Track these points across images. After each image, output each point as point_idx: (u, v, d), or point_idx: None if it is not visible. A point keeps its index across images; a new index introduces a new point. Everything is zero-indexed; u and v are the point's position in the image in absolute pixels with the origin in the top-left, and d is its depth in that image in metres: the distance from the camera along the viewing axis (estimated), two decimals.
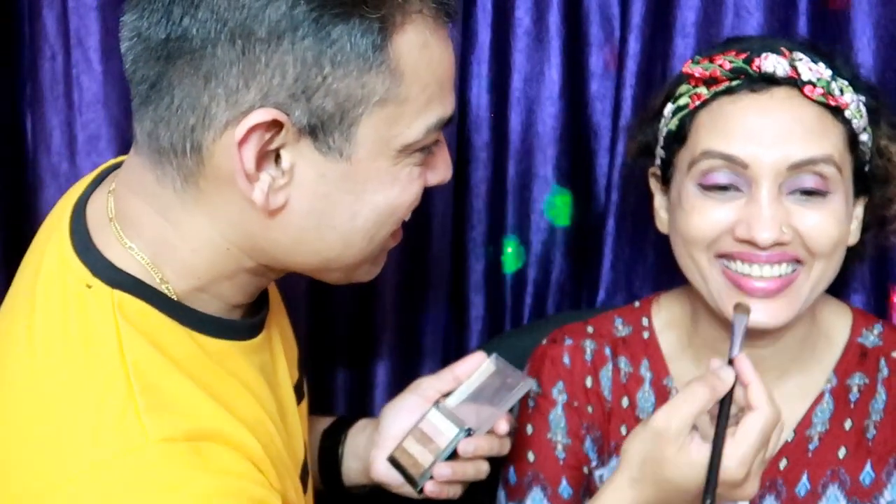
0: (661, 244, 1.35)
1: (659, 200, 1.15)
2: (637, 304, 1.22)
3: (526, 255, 1.42)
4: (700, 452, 0.93)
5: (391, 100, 0.83)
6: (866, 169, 1.09)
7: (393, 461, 1.09)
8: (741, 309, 1.00)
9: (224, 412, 0.83)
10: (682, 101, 1.09)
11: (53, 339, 0.82)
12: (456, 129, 1.36)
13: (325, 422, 1.20)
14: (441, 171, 0.94)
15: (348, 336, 1.41)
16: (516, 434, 1.19)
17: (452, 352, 1.44)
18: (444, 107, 0.88)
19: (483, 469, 1.09)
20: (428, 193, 1.33)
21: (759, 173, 1.01)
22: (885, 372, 1.13)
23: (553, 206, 1.40)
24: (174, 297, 0.86)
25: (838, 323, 1.16)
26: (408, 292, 1.38)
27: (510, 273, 1.41)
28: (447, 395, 1.11)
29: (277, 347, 1.02)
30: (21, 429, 0.80)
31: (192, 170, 0.83)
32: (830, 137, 1.03)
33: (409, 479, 1.07)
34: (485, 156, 1.40)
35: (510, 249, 1.41)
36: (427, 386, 1.12)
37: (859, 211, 1.11)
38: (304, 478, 0.98)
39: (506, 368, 1.10)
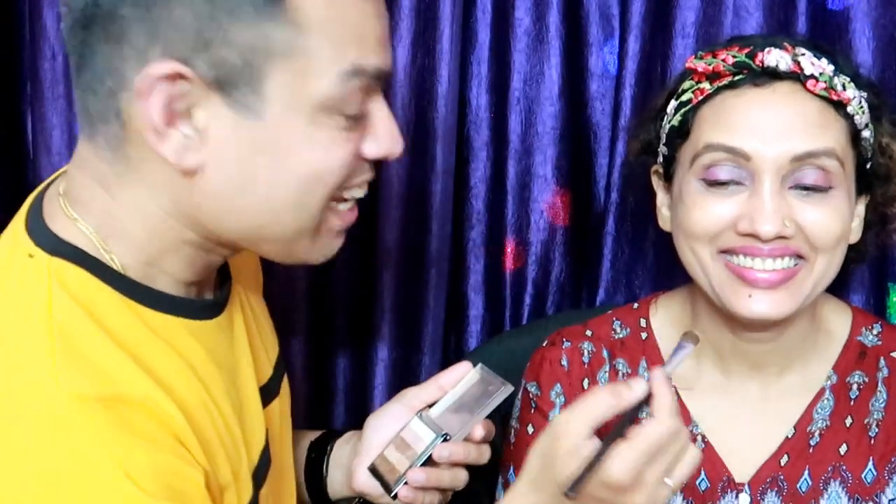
0: (661, 244, 1.35)
1: (661, 198, 1.16)
2: (636, 305, 1.22)
3: (526, 255, 1.42)
4: (590, 453, 0.90)
5: (297, 51, 0.81)
6: (868, 166, 1.09)
7: (373, 470, 1.08)
8: (689, 336, 0.98)
9: (151, 383, 0.81)
10: (685, 97, 1.09)
11: None
12: (456, 129, 1.36)
13: (313, 434, 1.19)
14: (383, 143, 0.89)
15: (348, 336, 1.42)
16: (517, 434, 1.19)
17: (452, 351, 1.44)
18: (364, 53, 0.84)
19: (460, 477, 1.07)
20: (428, 193, 1.35)
21: (762, 166, 1.02)
22: (885, 371, 1.13)
23: (553, 206, 1.41)
24: (119, 268, 0.86)
25: (838, 321, 1.16)
26: (408, 292, 1.38)
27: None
28: (432, 404, 1.11)
29: (240, 340, 0.99)
30: None
31: (118, 137, 0.83)
32: (832, 131, 1.03)
33: (384, 485, 1.06)
34: (485, 156, 1.40)
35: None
36: (412, 396, 1.11)
37: (861, 209, 1.11)
38: (256, 480, 0.95)
39: (489, 377, 1.08)
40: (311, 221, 0.87)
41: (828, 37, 1.28)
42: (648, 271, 1.39)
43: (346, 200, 0.91)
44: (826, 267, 1.05)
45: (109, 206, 0.86)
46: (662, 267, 1.37)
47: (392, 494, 1.06)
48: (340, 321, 1.41)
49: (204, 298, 0.94)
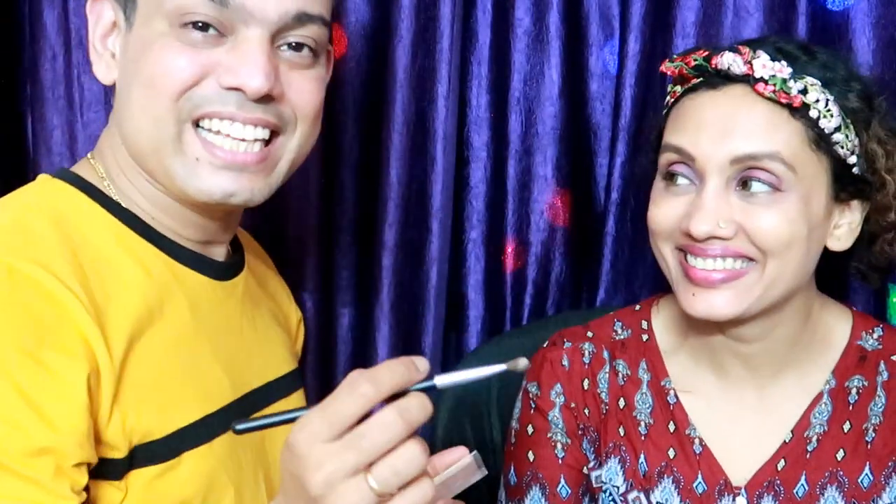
0: None
1: None
2: (637, 307, 1.22)
3: (526, 255, 1.42)
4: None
5: None
6: (855, 171, 1.07)
7: None
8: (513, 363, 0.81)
9: (77, 284, 0.86)
10: (667, 100, 1.12)
11: None
12: (456, 129, 1.36)
13: None
14: (237, 72, 0.92)
15: (349, 336, 1.42)
16: (517, 434, 1.19)
17: (452, 351, 1.44)
18: None
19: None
20: (428, 193, 1.35)
21: (704, 167, 1.03)
22: (884, 375, 1.13)
23: (553, 206, 1.41)
24: (120, 200, 0.96)
25: (838, 325, 1.15)
26: (408, 292, 1.38)
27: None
28: None
29: (241, 317, 1.04)
30: None
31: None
32: (782, 135, 1.03)
33: None
34: (485, 156, 1.40)
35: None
36: None
37: (856, 216, 1.09)
38: (213, 421, 0.95)
39: (475, 464, 0.97)
40: (163, 131, 0.93)
41: (828, 37, 1.28)
42: (648, 272, 1.39)
43: (215, 133, 0.93)
44: (780, 270, 1.04)
45: (109, 138, 0.98)
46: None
47: None
48: (341, 321, 1.41)
49: (195, 251, 1.00)
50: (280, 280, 1.22)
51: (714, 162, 1.02)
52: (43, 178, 0.98)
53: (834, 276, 1.20)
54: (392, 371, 0.75)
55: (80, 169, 0.98)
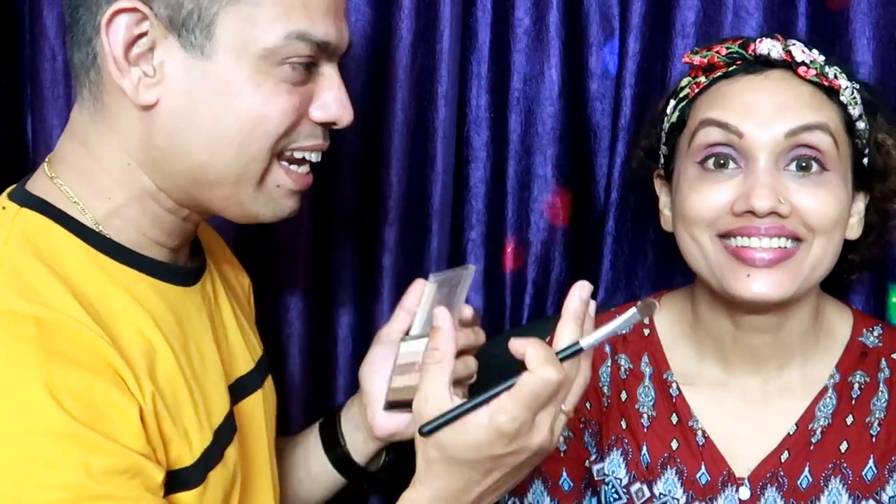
0: (661, 244, 1.35)
1: (663, 200, 1.17)
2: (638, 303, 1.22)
3: (526, 255, 1.42)
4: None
5: (244, 0, 0.89)
6: (865, 162, 1.10)
7: (390, 404, 1.08)
8: (644, 306, 0.90)
9: (88, 317, 0.85)
10: (683, 93, 1.13)
11: None
12: (456, 130, 1.36)
13: (313, 427, 1.21)
14: (331, 108, 0.96)
15: (349, 336, 1.42)
16: None
17: None
18: (311, 24, 0.92)
19: (471, 364, 1.08)
20: (428, 193, 1.35)
21: (756, 144, 1.04)
22: (886, 372, 1.14)
23: (553, 206, 1.41)
24: (92, 224, 0.93)
25: (840, 322, 1.17)
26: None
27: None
28: (408, 332, 1.11)
29: (215, 316, 1.04)
30: None
31: (96, 84, 0.92)
32: (825, 111, 1.06)
33: (409, 405, 1.05)
34: (485, 156, 1.40)
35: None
36: (386, 332, 1.14)
37: (860, 206, 1.12)
38: (221, 435, 0.97)
39: (446, 276, 1.09)
40: (253, 168, 0.93)
41: (828, 37, 1.28)
42: (648, 271, 1.39)
43: (297, 162, 0.97)
44: (824, 250, 1.05)
45: (84, 160, 0.94)
46: (662, 267, 1.37)
47: None
48: (341, 321, 1.41)
49: (170, 263, 0.99)
50: (226, 252, 1.19)
51: (767, 140, 1.04)
52: (7, 208, 0.92)
53: (834, 278, 1.20)
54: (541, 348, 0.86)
55: (44, 191, 0.93)
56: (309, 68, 0.94)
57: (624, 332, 0.92)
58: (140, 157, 0.93)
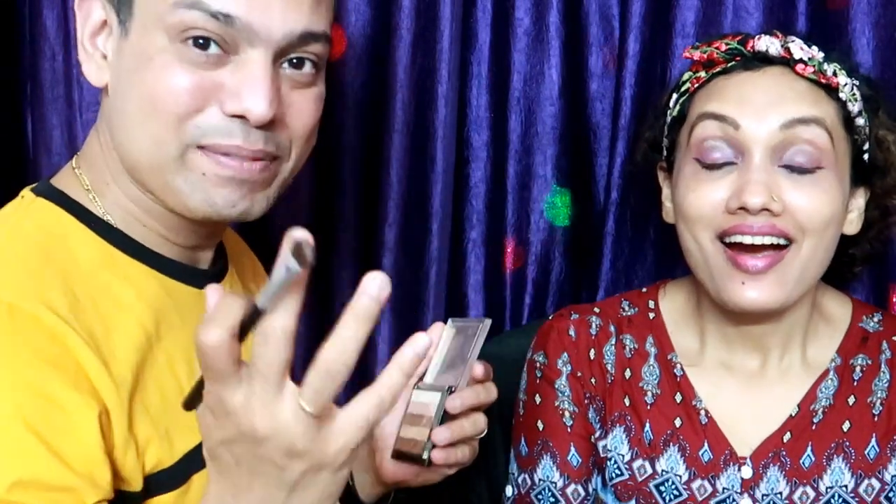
0: (661, 243, 1.35)
1: (665, 192, 1.18)
2: (644, 289, 1.24)
3: (526, 255, 1.42)
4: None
5: None
6: (865, 158, 1.11)
7: (397, 454, 1.09)
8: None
9: (71, 315, 0.83)
10: (683, 88, 1.14)
11: None
12: (456, 130, 1.36)
13: None
14: (244, 98, 0.88)
15: None
16: (526, 405, 1.20)
17: None
18: None
19: (480, 422, 1.06)
20: (428, 193, 1.35)
21: (750, 136, 1.05)
22: (887, 353, 1.15)
23: (553, 206, 1.41)
24: (102, 215, 0.92)
25: (839, 309, 1.18)
26: (408, 292, 1.38)
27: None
28: (422, 377, 1.11)
29: None
30: None
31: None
32: (823, 106, 1.07)
33: (416, 459, 1.06)
34: (485, 156, 1.40)
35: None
36: None
37: (861, 202, 1.13)
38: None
39: (464, 324, 1.09)
40: (164, 153, 0.89)
41: (828, 37, 1.29)
42: (648, 271, 1.39)
43: (214, 153, 0.90)
44: (814, 250, 1.06)
45: (94, 147, 0.95)
46: (662, 267, 1.37)
47: (426, 463, 1.06)
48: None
49: (184, 263, 0.97)
50: (251, 257, 1.18)
51: (762, 132, 1.04)
52: (26, 198, 0.93)
53: (835, 274, 1.21)
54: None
55: (64, 181, 0.94)
56: (222, 51, 0.87)
57: (285, 282, 0.68)
58: (110, 142, 0.93)
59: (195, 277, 0.97)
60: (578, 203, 1.41)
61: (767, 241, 1.04)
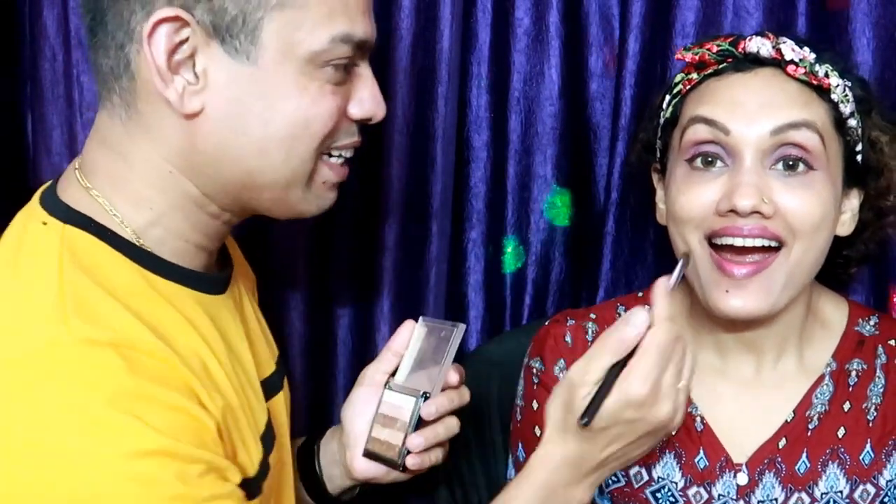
0: (661, 244, 1.35)
1: (659, 194, 1.18)
2: (640, 293, 1.24)
3: (526, 255, 1.42)
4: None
5: (289, 4, 0.88)
6: (858, 159, 1.10)
7: (369, 454, 1.10)
8: (685, 256, 1.03)
9: (155, 338, 0.84)
10: (676, 89, 1.14)
11: (4, 268, 0.88)
12: (456, 130, 1.36)
13: (295, 443, 1.20)
14: (367, 105, 0.97)
15: (349, 336, 1.42)
16: (523, 411, 1.20)
17: None
18: (352, 24, 0.92)
19: (452, 425, 1.12)
20: (428, 193, 1.35)
21: (741, 141, 1.04)
22: (883, 358, 1.15)
23: (553, 206, 1.41)
24: (132, 237, 0.91)
25: (836, 312, 1.18)
26: (408, 292, 1.38)
27: (509, 273, 1.42)
28: (394, 374, 1.12)
29: (243, 318, 1.04)
30: None
31: (129, 91, 0.90)
32: (814, 108, 1.06)
33: (390, 462, 1.09)
34: (485, 156, 1.40)
35: (510, 249, 1.41)
36: (372, 373, 1.15)
37: (855, 203, 1.13)
38: (266, 443, 0.98)
39: (435, 325, 1.12)
40: (301, 169, 0.94)
41: (828, 37, 1.28)
42: (648, 271, 1.39)
43: (334, 156, 0.97)
44: (803, 254, 1.06)
45: (119, 168, 0.92)
46: (662, 267, 1.37)
47: (401, 468, 1.07)
48: (341, 321, 1.41)
49: (210, 274, 0.98)
50: (238, 252, 1.19)
51: (752, 137, 1.04)
52: (51, 225, 0.90)
53: (832, 276, 1.21)
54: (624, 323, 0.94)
55: (83, 204, 0.91)
56: (348, 68, 0.94)
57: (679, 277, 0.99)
58: (183, 165, 0.91)
59: (214, 284, 0.98)
60: (578, 203, 1.41)
61: (758, 243, 1.04)
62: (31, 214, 0.92)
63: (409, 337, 1.14)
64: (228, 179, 0.92)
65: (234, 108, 0.89)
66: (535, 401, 1.19)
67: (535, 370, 1.20)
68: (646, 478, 1.14)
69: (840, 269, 1.19)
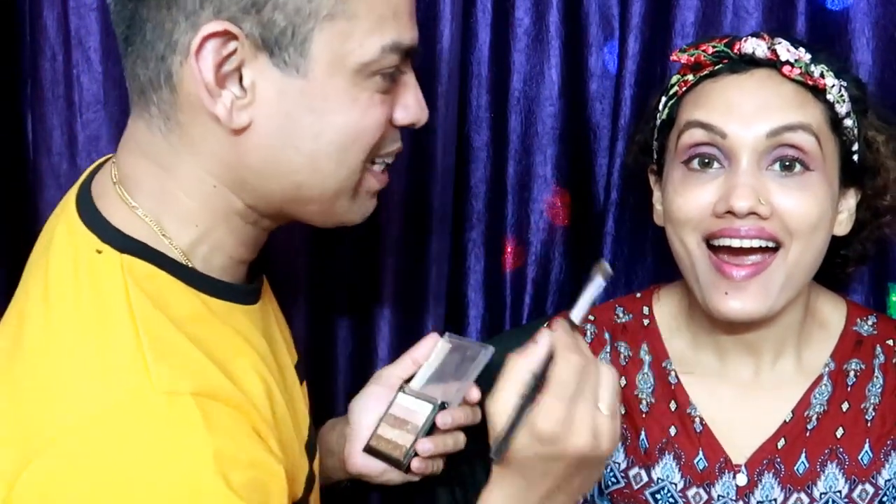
0: (660, 244, 1.35)
1: (656, 195, 1.19)
2: (638, 294, 1.24)
3: (526, 256, 1.42)
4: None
5: (339, 15, 0.86)
6: (855, 159, 1.11)
7: (371, 450, 1.10)
8: (599, 269, 0.94)
9: (223, 375, 0.84)
10: (672, 91, 1.14)
11: (66, 303, 0.85)
12: (456, 130, 1.36)
13: None
14: (412, 110, 0.95)
15: (348, 336, 1.42)
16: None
17: None
18: (400, 32, 0.90)
19: (460, 440, 1.12)
20: (428, 193, 1.35)
21: (738, 143, 1.05)
22: (881, 358, 1.15)
23: (553, 206, 1.41)
24: (181, 257, 0.89)
25: (834, 313, 1.18)
26: (408, 292, 1.38)
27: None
28: (409, 380, 1.13)
29: (274, 321, 1.04)
30: (32, 392, 0.81)
31: (169, 103, 0.87)
32: (809, 110, 1.06)
33: (393, 461, 1.09)
34: (485, 156, 1.40)
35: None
36: (388, 374, 1.15)
37: (851, 203, 1.13)
38: (310, 453, 0.99)
39: (462, 343, 1.13)
40: (350, 180, 0.92)
41: (827, 37, 1.28)
42: (648, 271, 1.39)
43: (379, 164, 0.96)
44: (801, 255, 1.06)
45: (165, 182, 0.89)
46: (662, 267, 1.37)
47: (405, 469, 1.08)
48: (341, 321, 1.41)
49: (248, 284, 0.98)
50: None
51: (748, 139, 1.04)
52: (106, 254, 0.87)
53: (831, 275, 1.21)
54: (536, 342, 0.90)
55: (131, 226, 0.89)
56: (394, 76, 0.92)
57: (595, 301, 0.94)
58: (228, 178, 0.90)
59: (253, 294, 0.98)
60: (578, 203, 1.41)
61: (756, 244, 1.05)
62: (76, 235, 0.89)
63: (432, 349, 1.14)
64: (275, 192, 0.91)
65: (283, 121, 0.87)
66: None
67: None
68: (645, 479, 1.14)
69: (838, 269, 1.20)
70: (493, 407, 0.89)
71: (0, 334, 0.89)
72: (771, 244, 1.05)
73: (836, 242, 1.13)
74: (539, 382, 0.87)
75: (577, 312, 0.92)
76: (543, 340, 0.89)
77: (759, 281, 1.05)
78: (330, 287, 1.40)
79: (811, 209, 1.05)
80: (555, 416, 0.86)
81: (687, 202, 1.07)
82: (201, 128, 0.87)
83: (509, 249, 1.42)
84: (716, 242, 1.06)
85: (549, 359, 0.88)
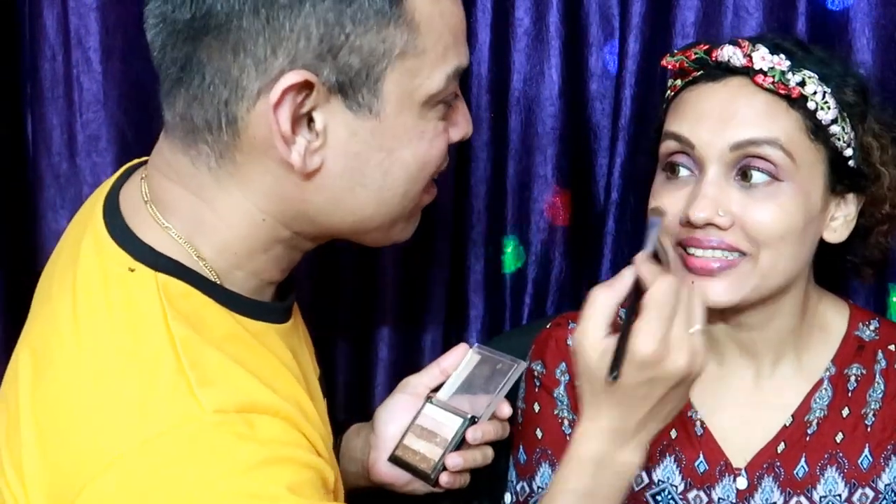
0: None
1: None
2: None
3: (526, 255, 1.42)
4: (612, 344, 0.92)
5: (410, 52, 0.86)
6: (851, 164, 1.09)
7: (396, 460, 1.09)
8: (656, 213, 1.05)
9: (265, 388, 0.84)
10: (666, 96, 1.15)
11: (98, 323, 0.84)
12: None
13: None
14: (462, 126, 0.96)
15: (348, 336, 1.42)
16: (524, 414, 1.20)
17: None
18: (460, 56, 0.91)
19: (489, 454, 1.11)
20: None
21: (704, 154, 1.05)
22: (882, 363, 1.15)
23: (553, 206, 1.41)
24: (214, 277, 0.89)
25: (835, 317, 1.18)
26: (408, 292, 1.38)
27: (509, 273, 1.42)
28: (436, 389, 1.12)
29: (302, 336, 1.04)
30: (73, 415, 0.81)
31: (227, 144, 0.86)
32: (779, 122, 1.05)
33: (420, 474, 1.08)
34: (485, 156, 1.40)
35: (509, 249, 1.41)
36: (416, 383, 1.14)
37: (851, 209, 1.12)
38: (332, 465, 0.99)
39: (492, 356, 1.12)
40: (411, 206, 0.94)
41: (828, 37, 1.28)
42: None
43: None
44: (773, 261, 1.05)
45: (201, 212, 0.89)
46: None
47: (433, 482, 1.07)
48: (341, 321, 1.41)
49: (282, 302, 0.97)
50: None
51: (714, 149, 1.04)
52: (140, 273, 0.86)
53: (833, 276, 1.21)
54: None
55: (164, 245, 0.88)
56: (452, 102, 0.92)
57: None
58: (280, 212, 0.89)
59: (285, 313, 0.98)
60: (578, 203, 1.41)
61: (718, 254, 1.05)
62: (106, 253, 0.88)
63: (461, 360, 1.13)
64: (336, 225, 0.91)
65: (353, 162, 0.87)
66: (536, 403, 1.20)
67: (536, 373, 1.20)
68: (646, 481, 1.14)
69: (849, 274, 1.20)
70: (583, 340, 0.91)
71: (22, 349, 0.89)
72: (733, 255, 1.05)
73: (840, 248, 1.13)
74: (629, 312, 0.91)
75: (650, 245, 0.96)
76: (628, 272, 0.93)
77: (729, 276, 1.05)
78: (330, 288, 1.40)
79: (777, 220, 1.04)
80: (656, 338, 0.88)
81: (660, 205, 1.09)
82: (261, 167, 0.87)
83: (509, 249, 1.42)
84: (685, 251, 1.07)
85: (635, 290, 0.92)
